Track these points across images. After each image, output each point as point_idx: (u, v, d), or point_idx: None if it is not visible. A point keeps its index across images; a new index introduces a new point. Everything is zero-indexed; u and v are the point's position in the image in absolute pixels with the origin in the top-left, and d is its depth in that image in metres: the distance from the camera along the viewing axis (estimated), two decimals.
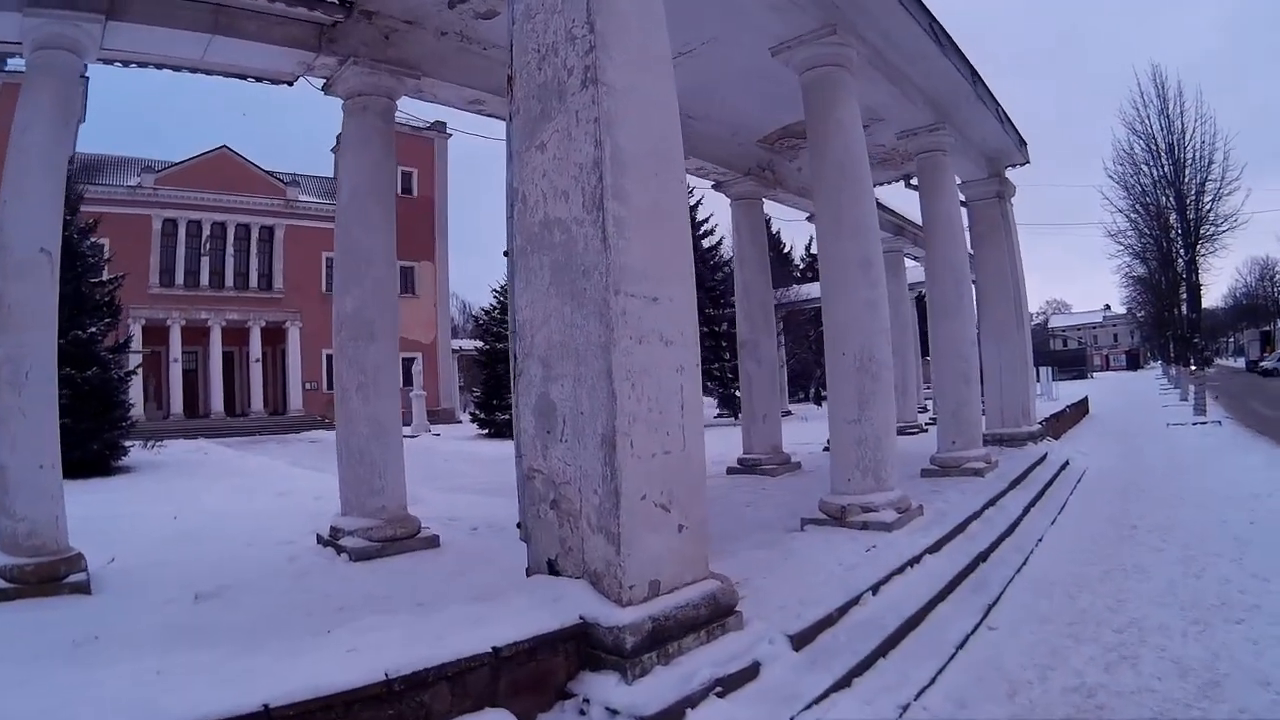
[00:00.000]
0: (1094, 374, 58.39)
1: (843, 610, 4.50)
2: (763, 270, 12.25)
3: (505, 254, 4.61)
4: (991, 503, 7.89)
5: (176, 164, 32.85)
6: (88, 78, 28.66)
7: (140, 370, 22.17)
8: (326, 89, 7.49)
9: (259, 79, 7.63)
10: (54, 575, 5.52)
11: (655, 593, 3.76)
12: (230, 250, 33.89)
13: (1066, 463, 11.51)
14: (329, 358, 34.67)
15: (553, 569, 4.08)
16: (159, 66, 7.26)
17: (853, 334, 6.83)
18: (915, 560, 5.62)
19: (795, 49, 7.16)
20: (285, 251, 34.94)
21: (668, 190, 4.13)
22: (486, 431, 26.50)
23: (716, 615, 3.93)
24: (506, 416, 25.30)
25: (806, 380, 35.36)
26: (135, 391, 28.55)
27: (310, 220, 35.46)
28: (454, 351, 39.68)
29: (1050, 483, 9.86)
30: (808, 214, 14.36)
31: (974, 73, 9.52)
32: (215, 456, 19.44)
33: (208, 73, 7.35)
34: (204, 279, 33.08)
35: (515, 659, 3.35)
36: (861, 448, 6.69)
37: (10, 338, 5.75)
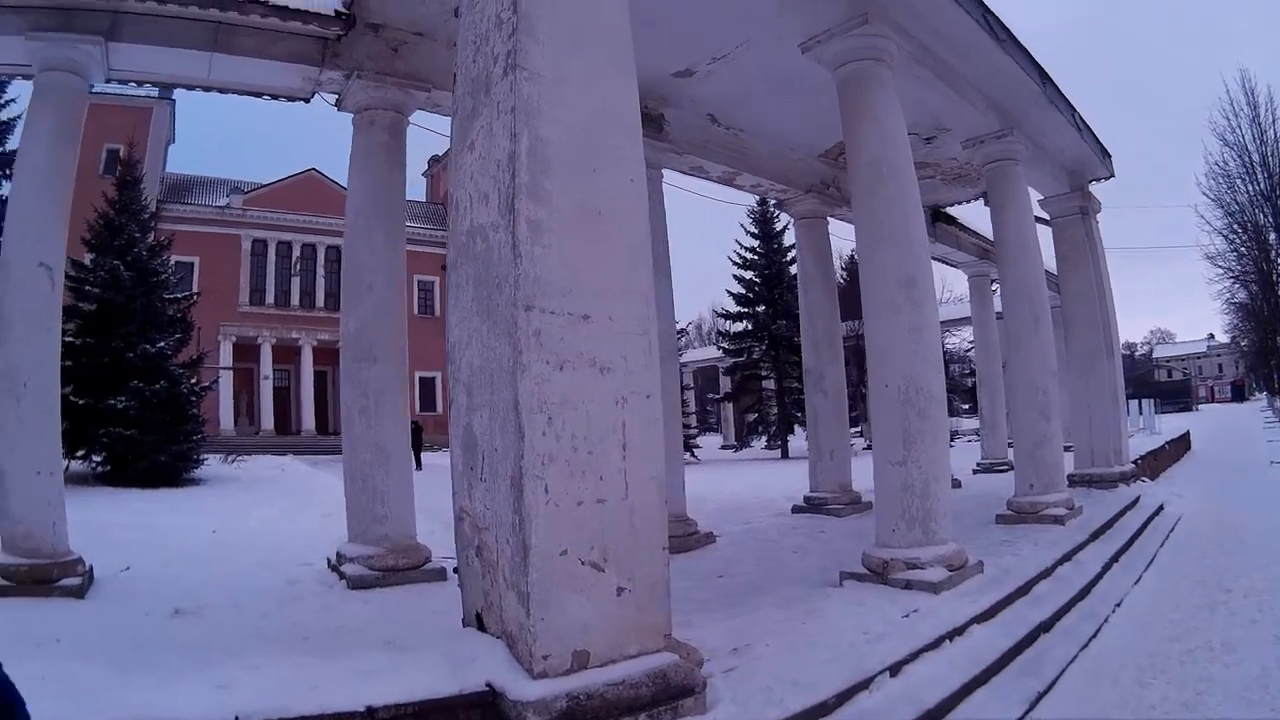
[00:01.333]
0: (1198, 406, 55.12)
1: (843, 697, 3.61)
2: (829, 294, 11.36)
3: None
4: (1067, 557, 6.75)
5: (265, 185, 33.87)
6: (174, 100, 29.95)
7: (217, 385, 22.75)
8: (339, 105, 7.30)
9: (273, 96, 7.51)
10: (46, 578, 5.74)
11: (581, 665, 3.12)
12: (321, 271, 34.57)
13: (1160, 507, 10.08)
14: (421, 379, 35.38)
15: (480, 623, 3.58)
16: (167, 86, 7.65)
17: (894, 363, 5.91)
18: (958, 631, 4.65)
19: (825, 43, 6.41)
20: None
21: (610, 189, 3.53)
22: None
23: (666, 696, 3.18)
24: None
25: None
26: (225, 406, 29.78)
27: None
28: None
29: (1139, 531, 8.56)
30: None
31: (1043, 73, 8.47)
32: (290, 473, 19.57)
33: (220, 90, 7.30)
34: (294, 299, 33.89)
35: None
36: (907, 494, 5.74)
37: (9, 350, 5.90)
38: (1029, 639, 4.90)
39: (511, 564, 3.19)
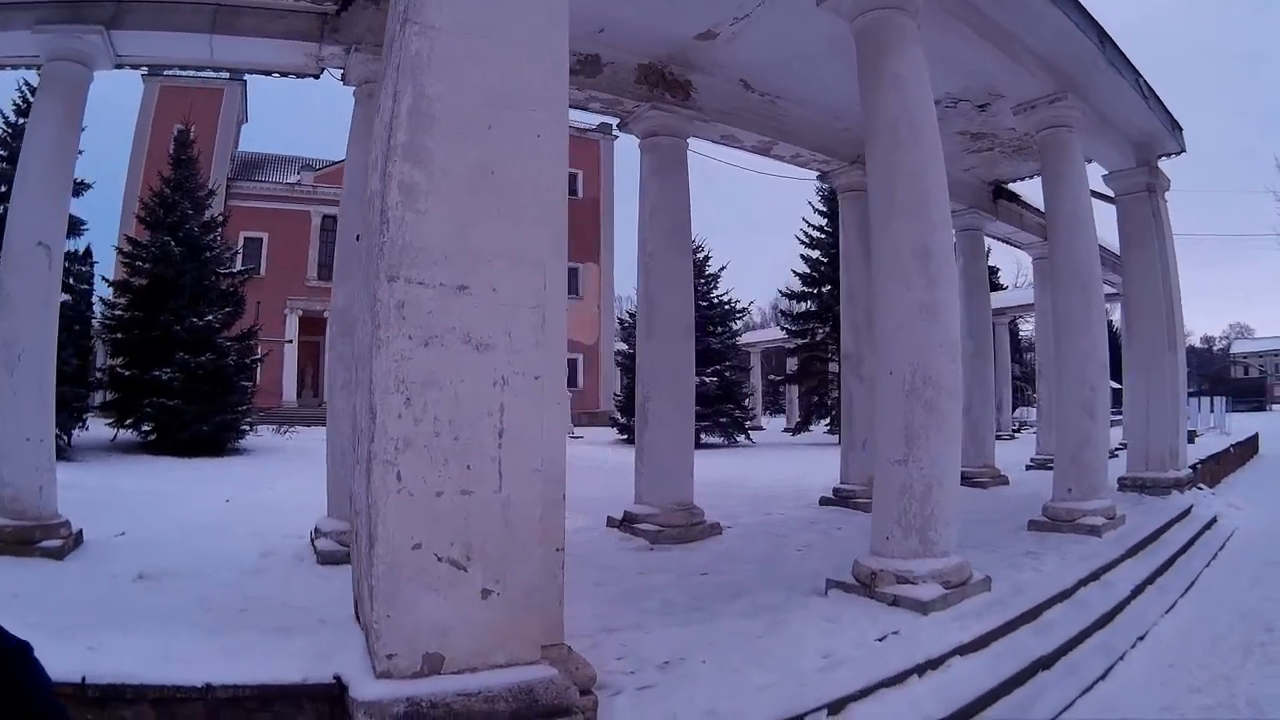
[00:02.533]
0: (1273, 406, 51.37)
1: None
2: (869, 271, 10.52)
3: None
4: (1094, 576, 5.93)
5: (336, 163, 33.96)
6: (245, 81, 30.75)
7: (266, 359, 23.17)
8: (344, 79, 7.23)
9: (282, 74, 7.54)
10: (28, 539, 6.03)
11: (432, 669, 2.83)
12: None
13: (1214, 519, 8.98)
14: None
15: (357, 613, 3.44)
16: (175, 69, 7.67)
17: (901, 346, 5.23)
18: (933, 663, 4.00)
19: None
20: None
21: (508, 146, 3.19)
22: (625, 437, 24.35)
23: (531, 715, 2.80)
24: None
25: None
26: (289, 379, 30.54)
27: None
28: (617, 354, 39.16)
29: (1185, 547, 7.59)
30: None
31: (1101, 33, 7.46)
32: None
33: (228, 71, 7.75)
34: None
35: (240, 703, 2.93)
36: (905, 498, 5.08)
37: (7, 324, 6.21)
38: (1021, 677, 4.19)
39: (365, 555, 2.95)
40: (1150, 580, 6.31)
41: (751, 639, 4.19)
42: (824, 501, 10.26)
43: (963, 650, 4.33)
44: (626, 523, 8.10)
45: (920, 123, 5.49)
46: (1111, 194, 10.37)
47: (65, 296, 14.11)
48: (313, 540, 6.73)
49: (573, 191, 37.02)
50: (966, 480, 11.65)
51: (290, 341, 27.76)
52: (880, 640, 4.29)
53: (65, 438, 13.57)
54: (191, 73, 28.39)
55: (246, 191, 31.76)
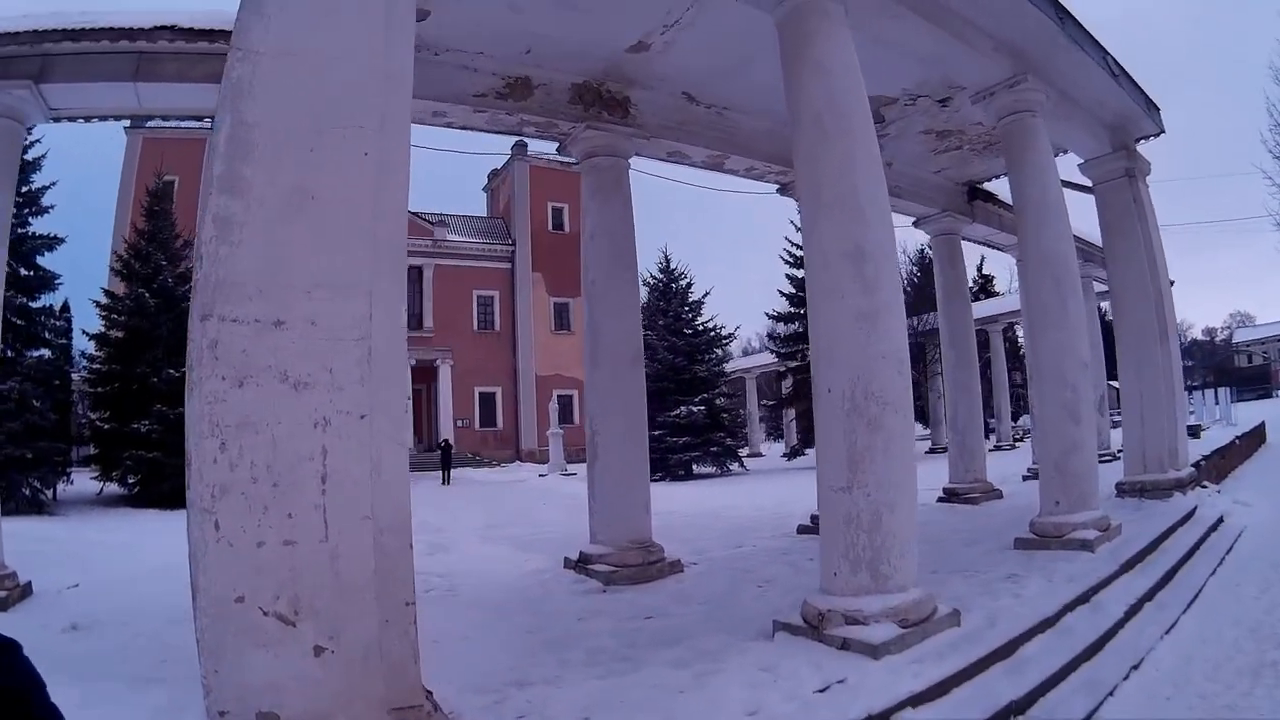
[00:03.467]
0: (1279, 391, 50.16)
1: None
2: None
3: None
4: (1083, 599, 5.32)
5: None
6: None
7: None
8: None
9: (212, 117, 7.17)
10: None
11: None
12: None
13: (1219, 521, 8.29)
14: (481, 394, 35.23)
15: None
16: (106, 119, 7.69)
17: (838, 360, 4.69)
18: (878, 719, 3.47)
19: None
20: (434, 290, 35.15)
21: (330, 168, 2.96)
22: None
23: None
24: None
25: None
26: None
27: (459, 259, 35.75)
28: None
29: (1189, 555, 6.91)
30: (916, 219, 11.93)
31: (1060, 8, 6.92)
32: None
33: (163, 118, 8.54)
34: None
35: None
36: (851, 529, 4.52)
37: None
38: None
39: (193, 606, 2.74)
40: (1148, 596, 5.68)
41: (672, 694, 3.75)
42: (801, 530, 9.69)
43: (916, 700, 3.78)
44: (581, 563, 7.61)
45: (848, 112, 4.99)
46: (1089, 183, 9.81)
47: (44, 352, 13.91)
48: None
49: (559, 226, 37.14)
50: (957, 497, 11.13)
51: None
52: (820, 692, 3.78)
53: (48, 492, 13.48)
54: (174, 123, 28.65)
55: None
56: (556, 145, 8.30)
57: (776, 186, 10.20)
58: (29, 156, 14.42)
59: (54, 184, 14.25)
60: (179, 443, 11.03)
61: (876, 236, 4.80)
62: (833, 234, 4.81)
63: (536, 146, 31.60)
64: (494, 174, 40.89)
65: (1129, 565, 6.16)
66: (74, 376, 16.11)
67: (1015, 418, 25.57)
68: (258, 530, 2.68)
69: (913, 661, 4.10)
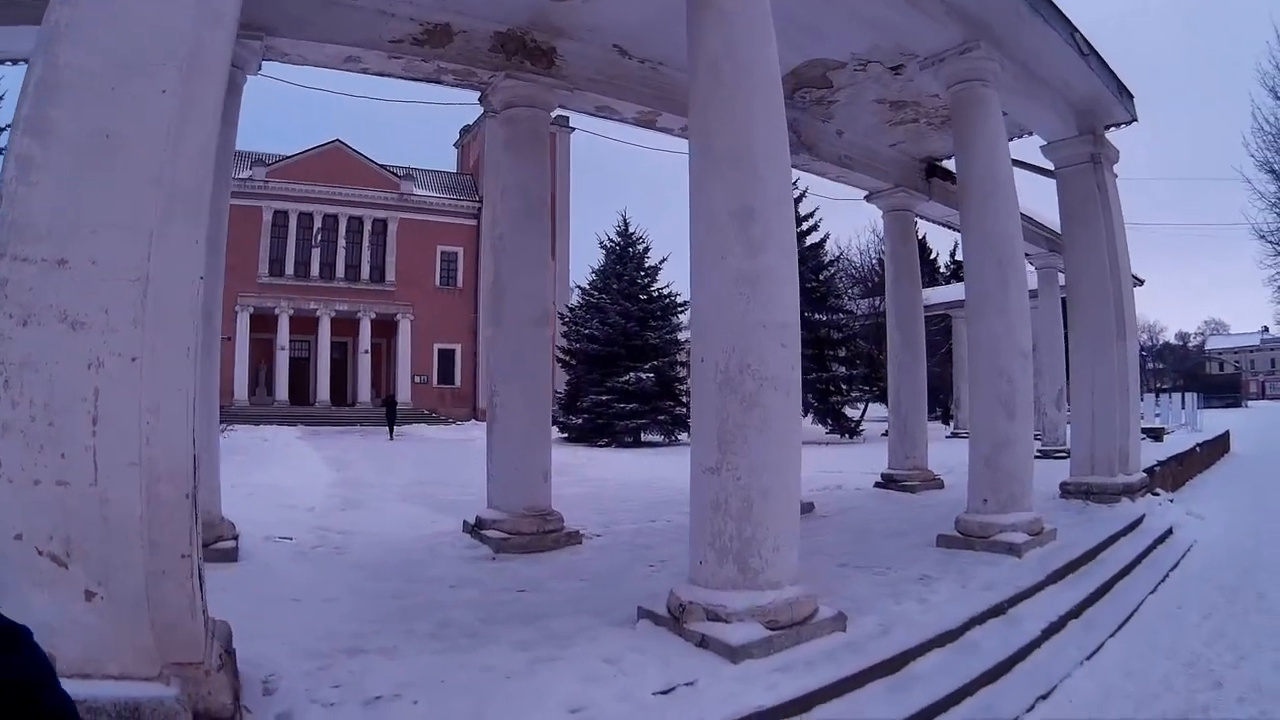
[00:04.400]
0: (1248, 403, 50.70)
1: None
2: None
3: None
4: (998, 610, 4.80)
5: (288, 157, 33.04)
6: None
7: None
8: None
9: None
10: None
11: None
12: (342, 242, 33.59)
13: (1168, 532, 7.76)
14: (440, 351, 34.49)
15: None
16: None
17: (714, 328, 4.15)
18: None
19: None
20: (398, 244, 34.40)
21: (129, 107, 2.80)
22: (565, 436, 23.58)
23: None
24: (583, 420, 23.16)
25: (945, 394, 29.13)
26: (240, 377, 29.48)
27: (424, 214, 35.01)
28: (561, 350, 37.87)
29: (1129, 568, 6.35)
30: (869, 193, 11.32)
31: None
32: (272, 444, 19.16)
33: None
34: (314, 270, 32.86)
35: None
36: (719, 516, 3.99)
37: None
38: None
39: None
40: (1075, 613, 5.10)
41: (498, 679, 3.44)
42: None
43: (770, 715, 3.26)
44: (476, 529, 7.15)
45: (748, 59, 4.36)
46: (1052, 166, 9.25)
47: None
48: None
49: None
50: (894, 483, 10.64)
51: (227, 339, 26.30)
52: (660, 694, 3.33)
53: None
54: None
55: None
56: (478, 95, 7.68)
57: None
58: None
59: None
60: None
61: (769, 192, 4.21)
62: (722, 191, 4.22)
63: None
64: (465, 130, 40.02)
65: (1058, 575, 5.62)
66: None
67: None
68: (35, 469, 2.59)
69: (776, 669, 3.60)
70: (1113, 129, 9.28)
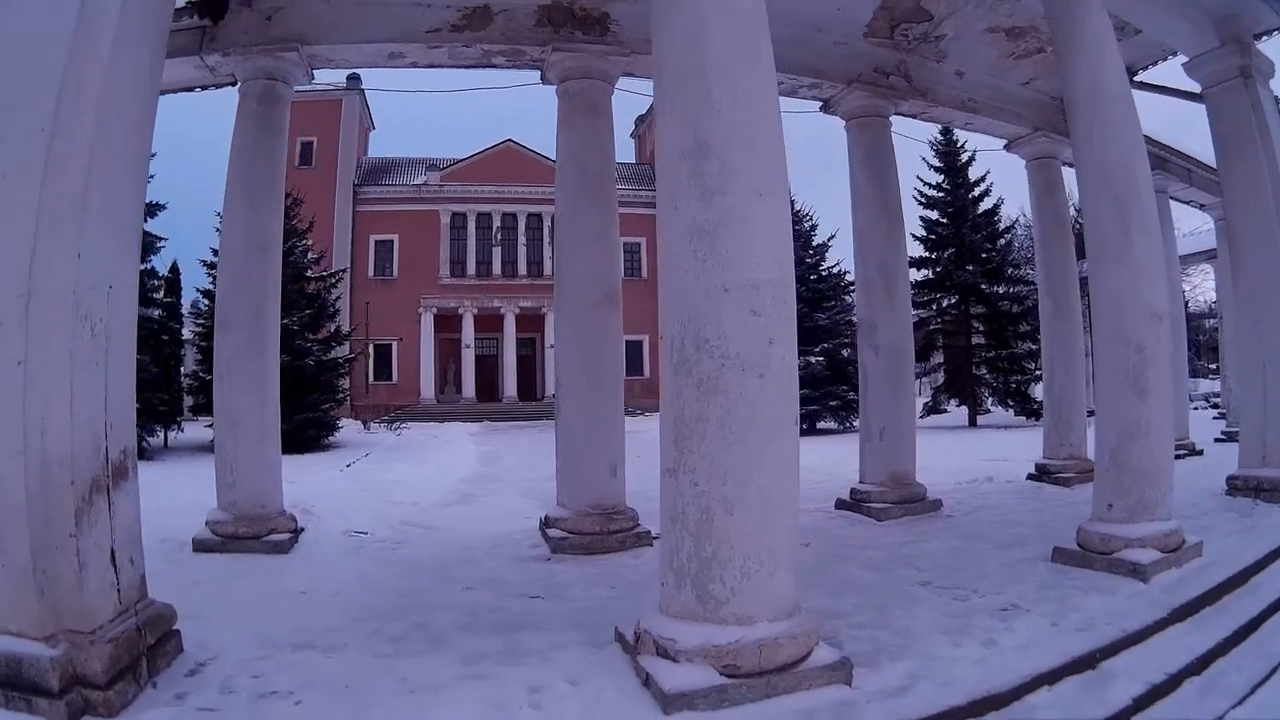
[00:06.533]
0: None
1: None
2: (885, 217, 7.98)
3: None
4: (1083, 664, 3.40)
5: (461, 160, 33.68)
6: (360, 90, 31.33)
7: (363, 356, 23.52)
8: (232, 82, 6.78)
9: (187, 89, 7.08)
10: None
11: None
12: (522, 239, 33.65)
13: None
14: (628, 343, 34.74)
15: None
16: None
17: (670, 296, 3.27)
18: None
19: None
20: None
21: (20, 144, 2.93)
22: None
23: (12, 685, 2.79)
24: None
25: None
26: (426, 376, 30.96)
27: None
28: None
29: None
30: (1007, 141, 9.59)
31: None
32: (440, 440, 19.42)
33: None
34: (496, 268, 33.19)
35: None
36: (676, 529, 3.15)
37: None
38: None
39: None
40: (1195, 668, 3.51)
41: (402, 692, 3.15)
42: (840, 505, 7.97)
43: None
44: (545, 526, 6.59)
45: None
46: (1200, 89, 7.22)
47: (153, 311, 14.70)
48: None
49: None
50: (1047, 475, 8.91)
51: (366, 343, 26.88)
52: None
53: (148, 439, 14.34)
54: (309, 85, 29.83)
55: (374, 196, 32.19)
56: (539, 75, 7.13)
57: (821, 103, 8.35)
58: None
59: (154, 155, 15.01)
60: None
61: (731, 127, 3.21)
62: (673, 125, 3.34)
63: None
64: (640, 119, 38.45)
65: (1187, 610, 4.05)
66: (185, 332, 16.99)
67: None
68: None
69: None
70: (1264, 38, 7.07)
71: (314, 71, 6.89)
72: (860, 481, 7.88)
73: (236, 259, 6.36)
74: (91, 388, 3.05)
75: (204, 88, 6.99)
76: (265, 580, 5.08)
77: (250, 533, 5.93)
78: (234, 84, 6.68)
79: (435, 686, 3.20)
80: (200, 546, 5.87)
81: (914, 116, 8.71)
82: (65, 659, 2.84)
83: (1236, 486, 6.71)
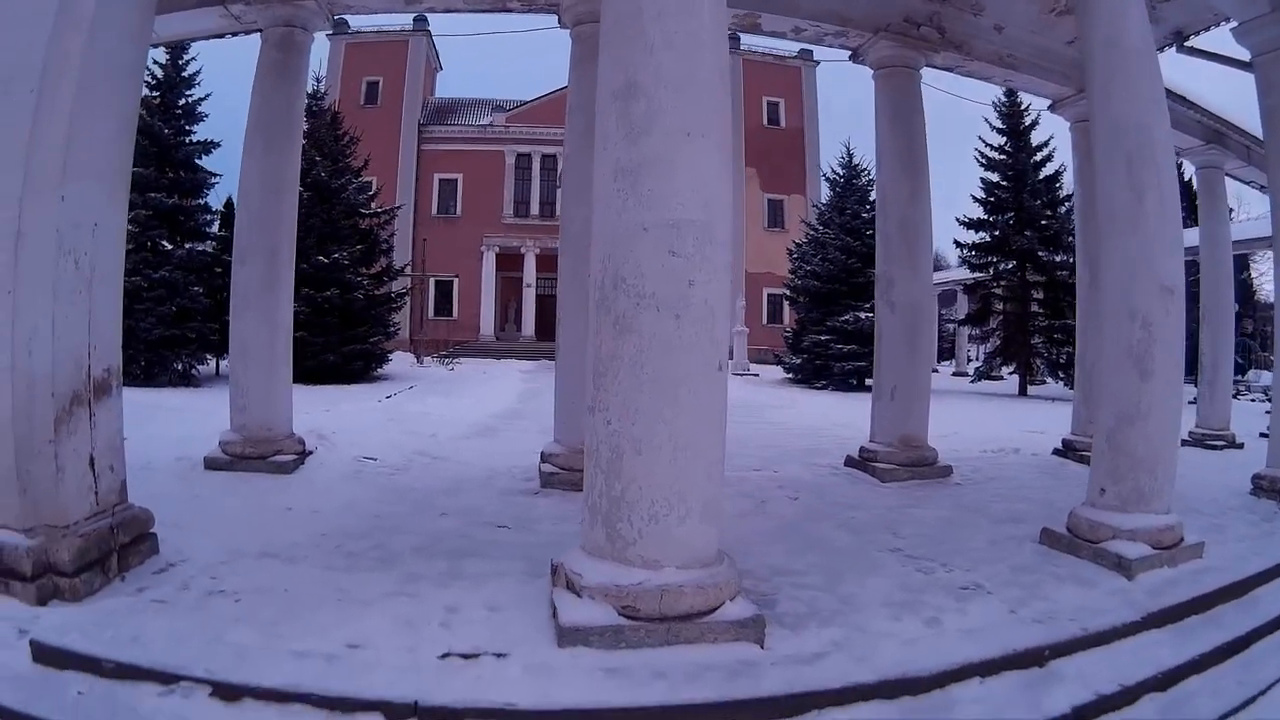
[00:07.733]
0: None
1: None
2: (908, 172, 7.57)
3: None
4: (1029, 658, 3.13)
5: (527, 102, 33.25)
6: (428, 32, 31.41)
7: (418, 291, 23.51)
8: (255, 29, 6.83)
9: (217, 36, 7.21)
10: None
11: None
12: None
13: None
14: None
15: None
16: None
17: (597, 235, 3.19)
18: None
19: None
20: None
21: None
22: (789, 376, 22.01)
23: None
24: (802, 360, 21.16)
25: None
26: (486, 314, 31.36)
27: None
28: (785, 286, 35.89)
29: None
30: (1051, 102, 8.98)
31: None
32: (488, 376, 19.63)
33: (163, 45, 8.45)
34: (559, 209, 33.47)
35: None
36: (591, 465, 3.14)
37: None
38: None
39: None
40: (1161, 683, 3.12)
41: (331, 601, 3.37)
42: (848, 463, 7.81)
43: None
44: (542, 460, 6.72)
45: None
46: (1248, 56, 6.49)
47: (203, 245, 15.17)
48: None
49: (774, 120, 34.44)
50: (1072, 451, 8.59)
51: (410, 277, 25.93)
52: (457, 657, 2.82)
53: (197, 367, 14.82)
54: (377, 27, 29.99)
55: (439, 135, 32.25)
56: (556, 19, 6.99)
57: (849, 52, 7.94)
58: (186, 73, 15.46)
59: (209, 95, 15.45)
60: (322, 323, 11.56)
61: (658, 65, 3.05)
62: (607, 65, 3.21)
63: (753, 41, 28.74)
64: None
65: (1168, 616, 3.69)
66: None
67: (1241, 371, 20.03)
68: None
69: (606, 669, 2.74)
70: None
71: (334, 18, 6.89)
72: (870, 440, 7.70)
73: (254, 199, 6.50)
74: (74, 313, 3.39)
75: (232, 34, 7.04)
76: (258, 498, 5.32)
77: (256, 453, 6.21)
78: (260, 30, 6.71)
79: (365, 600, 3.35)
80: (211, 464, 6.17)
81: (949, 70, 8.13)
82: (40, 548, 3.19)
83: (1262, 487, 6.20)
